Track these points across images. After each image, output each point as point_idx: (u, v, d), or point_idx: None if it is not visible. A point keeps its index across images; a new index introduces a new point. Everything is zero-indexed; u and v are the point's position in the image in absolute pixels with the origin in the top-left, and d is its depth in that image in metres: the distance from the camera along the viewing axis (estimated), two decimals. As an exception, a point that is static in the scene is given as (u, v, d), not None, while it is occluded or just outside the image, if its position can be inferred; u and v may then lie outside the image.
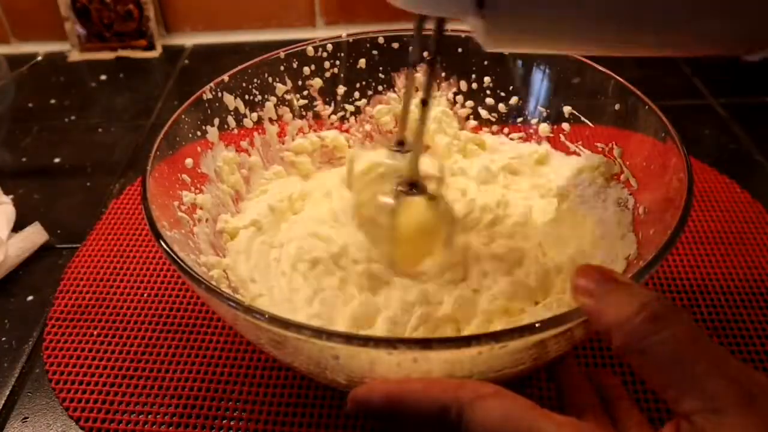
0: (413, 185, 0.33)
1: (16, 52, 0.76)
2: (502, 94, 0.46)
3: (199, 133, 0.40)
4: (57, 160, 0.58)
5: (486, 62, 0.45)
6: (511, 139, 0.46)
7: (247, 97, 0.42)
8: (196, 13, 0.76)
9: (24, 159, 0.59)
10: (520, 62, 0.44)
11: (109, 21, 0.74)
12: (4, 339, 0.42)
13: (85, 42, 0.75)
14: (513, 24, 0.22)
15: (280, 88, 0.44)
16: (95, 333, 0.41)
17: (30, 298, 0.44)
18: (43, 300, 0.44)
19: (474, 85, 0.46)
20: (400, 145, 0.37)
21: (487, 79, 0.46)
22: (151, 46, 0.74)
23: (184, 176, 0.38)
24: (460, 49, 0.44)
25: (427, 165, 0.36)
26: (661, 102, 0.36)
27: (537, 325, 0.24)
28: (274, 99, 0.44)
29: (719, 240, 0.45)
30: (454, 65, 0.45)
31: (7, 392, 0.38)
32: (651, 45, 0.25)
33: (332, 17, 0.74)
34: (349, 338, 0.24)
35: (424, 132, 0.32)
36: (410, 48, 0.33)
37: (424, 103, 0.31)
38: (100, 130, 0.62)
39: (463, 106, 0.47)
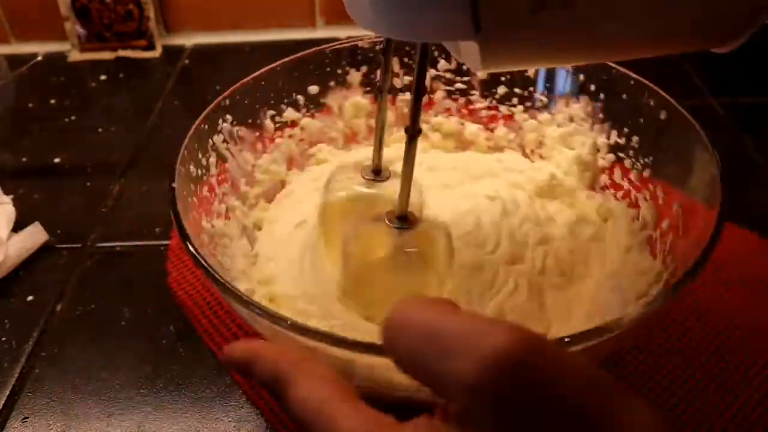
0: (403, 218, 0.32)
1: (16, 52, 0.76)
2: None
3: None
4: (57, 160, 0.58)
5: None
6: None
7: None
8: (196, 13, 0.76)
9: (24, 159, 0.59)
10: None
11: (109, 21, 0.74)
12: (4, 339, 0.42)
13: (85, 42, 0.75)
14: (509, 45, 0.22)
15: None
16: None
17: (30, 298, 0.44)
18: (43, 300, 0.44)
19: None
20: (376, 173, 0.36)
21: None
22: (151, 46, 0.74)
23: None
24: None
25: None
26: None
27: None
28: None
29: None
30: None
31: (7, 392, 0.38)
32: (632, 49, 0.25)
33: (332, 17, 0.74)
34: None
35: (412, 166, 0.30)
36: (378, 74, 0.32)
37: (412, 137, 0.29)
38: (100, 130, 0.62)
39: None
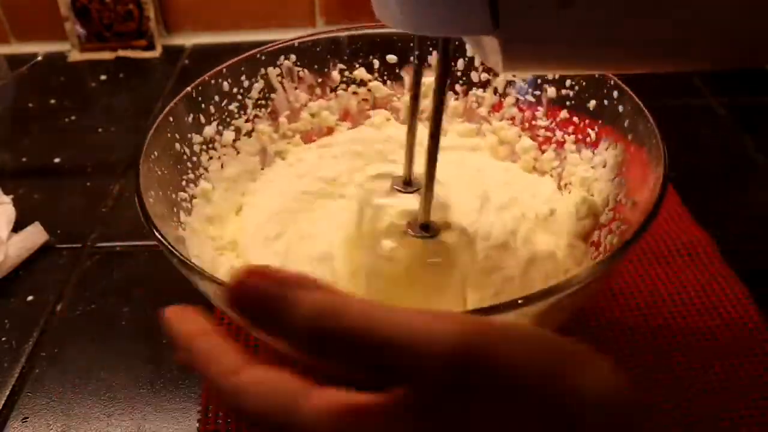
0: (425, 227, 0.31)
1: (16, 52, 0.76)
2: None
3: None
4: (57, 160, 0.58)
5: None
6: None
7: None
8: (196, 13, 0.76)
9: (24, 159, 0.59)
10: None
11: (109, 21, 0.74)
12: (4, 339, 0.42)
13: (85, 42, 0.75)
14: (529, 45, 0.21)
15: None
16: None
17: (30, 298, 0.44)
18: (43, 300, 0.44)
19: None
20: (407, 185, 0.34)
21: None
22: (151, 46, 0.74)
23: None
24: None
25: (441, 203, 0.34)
26: (661, 101, 0.36)
27: None
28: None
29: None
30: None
31: (7, 392, 0.38)
32: (662, 65, 0.24)
33: (332, 17, 0.74)
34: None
35: (434, 169, 0.29)
36: (409, 71, 0.31)
37: (433, 137, 0.28)
38: (100, 130, 0.62)
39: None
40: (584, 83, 0.39)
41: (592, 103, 0.39)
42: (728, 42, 0.21)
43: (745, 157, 0.54)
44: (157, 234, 0.29)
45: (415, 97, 0.32)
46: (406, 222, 0.32)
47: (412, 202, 0.34)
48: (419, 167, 0.31)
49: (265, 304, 0.18)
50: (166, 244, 0.28)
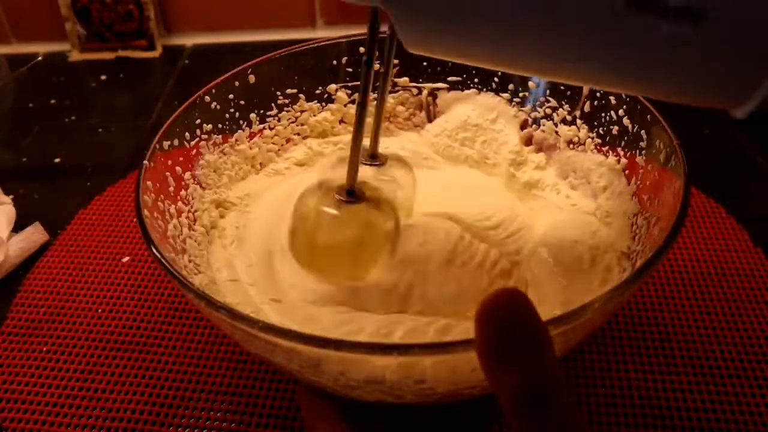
0: (351, 193, 0.32)
1: (16, 52, 0.76)
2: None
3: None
4: (57, 160, 0.58)
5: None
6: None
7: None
8: (196, 13, 0.76)
9: (24, 159, 0.59)
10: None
11: (109, 21, 0.74)
12: (4, 339, 0.42)
13: (85, 42, 0.75)
14: (421, 21, 0.21)
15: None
16: (44, 350, 0.40)
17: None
18: (43, 300, 0.44)
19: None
20: (372, 158, 0.36)
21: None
22: (151, 46, 0.74)
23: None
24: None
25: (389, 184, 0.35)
26: (660, 102, 0.35)
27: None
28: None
29: (698, 270, 0.43)
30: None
31: (7, 392, 0.38)
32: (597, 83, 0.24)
33: (332, 17, 0.74)
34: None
35: (360, 137, 0.30)
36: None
37: (361, 106, 0.30)
38: (100, 130, 0.62)
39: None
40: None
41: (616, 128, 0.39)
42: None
43: (746, 157, 0.54)
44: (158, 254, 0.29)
45: (386, 73, 0.33)
46: (337, 187, 0.33)
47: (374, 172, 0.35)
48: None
49: (514, 332, 0.20)
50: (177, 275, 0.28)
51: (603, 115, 0.39)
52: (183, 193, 0.37)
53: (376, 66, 0.32)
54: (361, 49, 0.44)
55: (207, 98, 0.40)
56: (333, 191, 0.33)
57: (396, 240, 0.35)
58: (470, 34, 0.21)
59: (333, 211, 0.33)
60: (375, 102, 0.35)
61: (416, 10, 0.21)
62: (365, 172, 0.35)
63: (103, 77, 0.71)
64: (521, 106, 0.44)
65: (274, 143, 0.45)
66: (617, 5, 0.18)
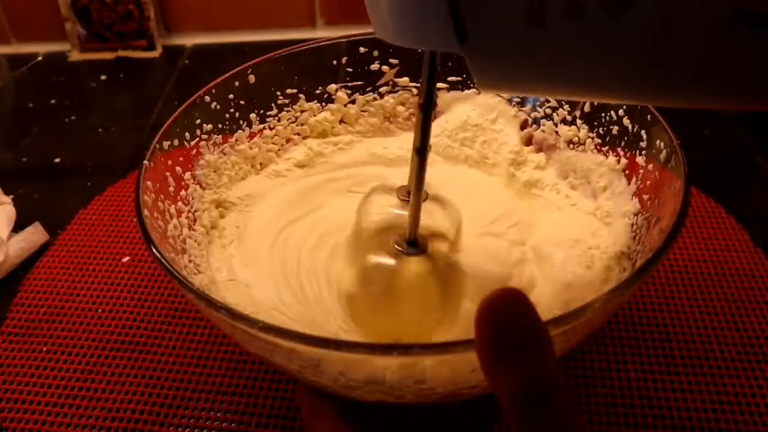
0: (413, 243, 0.31)
1: (16, 52, 0.76)
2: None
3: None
4: (57, 160, 0.58)
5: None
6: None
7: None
8: (196, 13, 0.76)
9: (24, 159, 0.59)
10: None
11: (109, 21, 0.74)
12: (4, 339, 0.42)
13: (85, 42, 0.75)
14: (498, 66, 0.20)
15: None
16: (44, 350, 0.40)
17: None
18: (43, 300, 0.44)
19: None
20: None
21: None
22: (151, 46, 0.74)
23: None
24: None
25: (439, 219, 0.33)
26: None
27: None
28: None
29: (698, 270, 0.43)
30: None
31: (7, 392, 0.38)
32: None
33: (332, 17, 0.74)
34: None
35: (423, 183, 0.28)
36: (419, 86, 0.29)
37: (419, 153, 0.27)
38: (100, 130, 0.62)
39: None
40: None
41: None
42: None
43: (746, 157, 0.54)
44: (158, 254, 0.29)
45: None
46: (395, 238, 0.32)
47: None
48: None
49: (514, 332, 0.20)
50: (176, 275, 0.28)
51: (603, 115, 0.39)
52: (183, 193, 0.37)
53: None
54: (362, 49, 0.44)
55: (207, 98, 0.40)
56: (390, 242, 0.31)
57: (461, 290, 0.34)
58: (557, 74, 0.21)
59: (393, 263, 0.31)
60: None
61: (497, 54, 0.20)
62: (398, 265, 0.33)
63: (103, 77, 0.71)
64: (521, 106, 0.44)
65: (274, 143, 0.45)
66: (721, 32, 0.17)
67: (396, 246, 0.31)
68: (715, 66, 0.18)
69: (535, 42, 0.19)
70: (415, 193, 0.29)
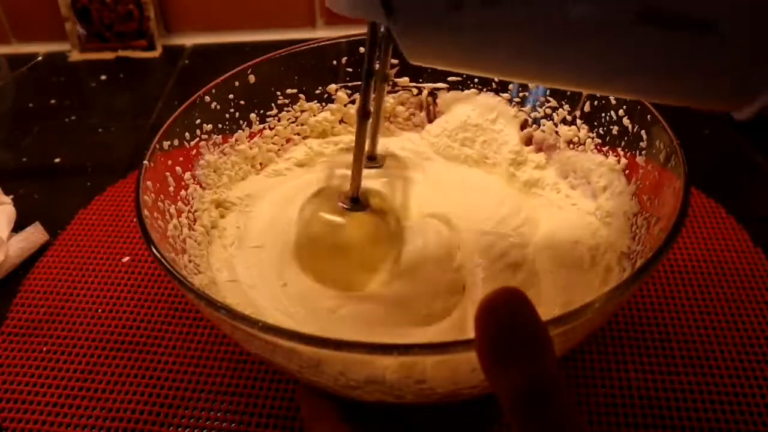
0: (355, 200, 0.33)
1: (16, 52, 0.76)
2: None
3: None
4: (57, 160, 0.58)
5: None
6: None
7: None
8: (196, 13, 0.76)
9: (24, 159, 0.59)
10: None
11: (109, 21, 0.74)
12: (4, 339, 0.42)
13: (85, 42, 0.75)
14: (425, 41, 0.21)
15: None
16: (44, 350, 0.40)
17: (30, 298, 0.44)
18: (43, 300, 0.44)
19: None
20: (371, 159, 0.37)
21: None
22: (151, 46, 0.74)
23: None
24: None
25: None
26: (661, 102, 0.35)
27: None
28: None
29: (698, 270, 0.43)
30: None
31: (7, 392, 0.38)
32: (603, 89, 0.24)
33: (332, 17, 0.74)
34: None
35: (363, 145, 0.31)
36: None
37: (363, 115, 0.30)
38: (100, 130, 0.62)
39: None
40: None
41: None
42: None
43: (746, 157, 0.54)
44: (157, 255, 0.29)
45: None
46: (341, 194, 0.34)
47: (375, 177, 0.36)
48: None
49: (514, 332, 0.20)
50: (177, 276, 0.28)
51: (603, 115, 0.39)
52: (183, 193, 0.37)
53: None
54: (361, 49, 0.44)
55: (207, 98, 0.40)
56: (336, 198, 0.33)
57: (400, 249, 0.35)
58: (476, 54, 0.22)
59: (337, 219, 0.33)
60: (373, 102, 0.35)
61: (421, 32, 0.21)
62: (365, 176, 0.35)
63: (103, 77, 0.71)
64: (521, 106, 0.44)
65: (274, 143, 0.45)
66: (627, 20, 0.19)
67: (340, 203, 0.34)
68: (616, 53, 0.20)
69: (454, 23, 0.20)
70: (357, 154, 0.32)
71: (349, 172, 0.34)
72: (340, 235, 0.34)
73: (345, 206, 0.33)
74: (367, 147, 0.36)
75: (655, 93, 0.23)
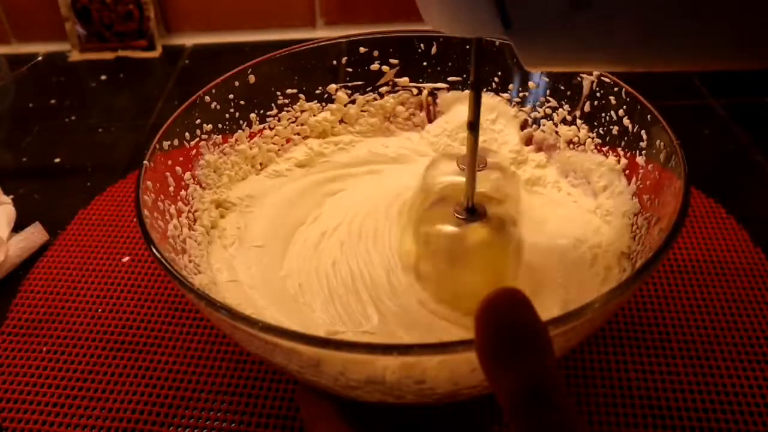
0: (471, 210, 0.32)
1: (16, 52, 0.76)
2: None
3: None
4: (57, 160, 0.58)
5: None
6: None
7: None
8: (196, 13, 0.76)
9: (24, 159, 0.59)
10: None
11: (109, 21, 0.74)
12: (4, 339, 0.42)
13: (85, 42, 0.75)
14: (543, 45, 0.21)
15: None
16: (44, 350, 0.40)
17: (30, 298, 0.44)
18: (43, 300, 0.44)
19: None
20: (469, 212, 0.34)
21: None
22: (151, 46, 0.74)
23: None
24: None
25: (492, 183, 0.35)
26: (660, 102, 0.36)
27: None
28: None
29: (698, 270, 0.43)
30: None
31: (7, 392, 0.38)
32: (673, 62, 0.24)
33: (332, 17, 0.74)
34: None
35: (475, 158, 0.30)
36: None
37: (472, 127, 0.29)
38: (100, 130, 0.62)
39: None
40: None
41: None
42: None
43: (746, 157, 0.54)
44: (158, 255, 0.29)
45: (473, 126, 0.30)
46: (455, 207, 0.33)
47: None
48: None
49: (514, 332, 0.20)
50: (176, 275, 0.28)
51: (603, 115, 0.39)
52: (183, 193, 0.38)
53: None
54: (362, 49, 0.44)
55: (207, 98, 0.40)
56: (449, 210, 0.32)
57: (521, 257, 0.34)
58: (596, 54, 0.21)
59: (455, 230, 0.32)
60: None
61: (541, 39, 0.20)
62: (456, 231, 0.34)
63: (103, 77, 0.71)
64: (521, 106, 0.44)
65: (274, 143, 0.45)
66: None
67: (456, 214, 0.32)
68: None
69: (578, 23, 0.19)
70: (469, 165, 0.30)
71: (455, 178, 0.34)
72: (461, 248, 0.32)
73: (461, 217, 0.32)
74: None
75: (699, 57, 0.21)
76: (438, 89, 0.46)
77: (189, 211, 0.38)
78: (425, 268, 0.35)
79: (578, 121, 0.41)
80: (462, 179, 0.32)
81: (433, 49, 0.45)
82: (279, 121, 0.45)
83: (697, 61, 0.22)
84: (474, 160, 0.30)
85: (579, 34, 0.20)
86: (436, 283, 0.34)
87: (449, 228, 0.32)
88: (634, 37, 0.20)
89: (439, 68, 0.46)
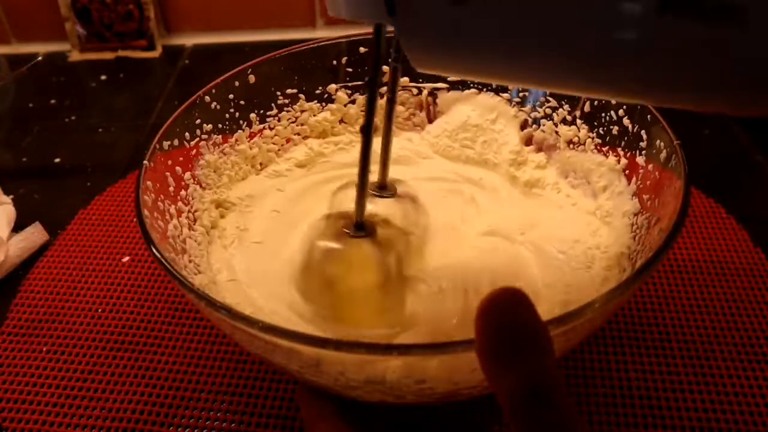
0: (360, 226, 0.31)
1: (16, 52, 0.76)
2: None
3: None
4: (57, 160, 0.58)
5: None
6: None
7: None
8: (196, 13, 0.76)
9: (24, 159, 0.59)
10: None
11: (109, 21, 0.74)
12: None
13: (85, 42, 0.75)
14: (429, 41, 0.20)
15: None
16: (44, 350, 0.40)
17: (30, 298, 0.44)
18: (43, 300, 0.44)
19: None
20: (381, 189, 0.35)
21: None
22: (151, 46, 0.74)
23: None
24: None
25: (400, 212, 0.34)
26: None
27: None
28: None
29: (698, 270, 0.43)
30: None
31: (7, 392, 0.38)
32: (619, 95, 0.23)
33: (332, 17, 0.74)
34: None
35: (368, 164, 0.29)
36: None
37: (363, 130, 0.27)
38: (100, 130, 0.62)
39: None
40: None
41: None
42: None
43: (746, 157, 0.54)
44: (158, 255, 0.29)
45: (391, 100, 0.32)
46: (344, 223, 0.33)
47: (385, 206, 0.34)
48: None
49: (514, 332, 0.20)
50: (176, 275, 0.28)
51: (603, 115, 0.39)
52: (183, 193, 0.38)
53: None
54: (362, 49, 0.44)
55: (207, 98, 0.40)
56: (341, 223, 0.32)
57: (404, 295, 0.34)
58: (481, 59, 0.20)
59: (332, 245, 0.32)
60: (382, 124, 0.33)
61: (425, 32, 0.20)
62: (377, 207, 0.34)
63: (103, 77, 0.71)
64: (521, 106, 0.44)
65: (274, 143, 0.45)
66: (648, 11, 0.16)
67: (344, 228, 0.32)
68: (636, 53, 0.17)
69: (459, 20, 0.18)
70: (360, 176, 0.29)
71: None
72: (332, 262, 0.32)
73: (348, 232, 0.32)
74: (378, 174, 0.35)
75: (679, 99, 0.20)
76: (438, 89, 0.46)
77: (189, 211, 0.38)
78: (309, 279, 0.34)
79: (578, 121, 0.41)
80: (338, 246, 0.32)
81: (433, 49, 0.44)
82: (279, 121, 0.45)
83: (591, 85, 0.20)
84: (367, 165, 0.28)
85: (464, 34, 0.19)
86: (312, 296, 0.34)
87: (328, 242, 0.33)
88: (518, 42, 0.18)
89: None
